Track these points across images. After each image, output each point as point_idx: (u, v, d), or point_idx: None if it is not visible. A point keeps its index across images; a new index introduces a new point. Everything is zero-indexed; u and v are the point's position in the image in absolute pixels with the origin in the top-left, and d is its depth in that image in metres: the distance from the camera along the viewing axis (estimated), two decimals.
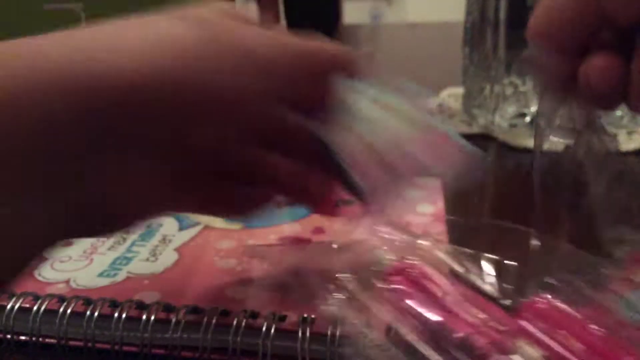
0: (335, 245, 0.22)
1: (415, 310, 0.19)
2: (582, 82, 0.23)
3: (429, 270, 0.20)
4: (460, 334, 0.18)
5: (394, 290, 0.20)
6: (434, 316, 0.19)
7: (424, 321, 0.19)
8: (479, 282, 0.21)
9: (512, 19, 0.44)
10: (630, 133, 0.47)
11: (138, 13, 0.38)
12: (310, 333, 0.21)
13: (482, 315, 0.19)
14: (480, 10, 0.46)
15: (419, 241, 0.22)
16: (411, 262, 0.21)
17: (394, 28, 1.15)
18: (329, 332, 0.21)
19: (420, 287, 0.20)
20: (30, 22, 0.35)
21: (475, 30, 0.47)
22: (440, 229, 0.30)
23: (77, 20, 0.36)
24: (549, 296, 0.20)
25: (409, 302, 0.19)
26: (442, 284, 0.20)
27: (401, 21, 2.31)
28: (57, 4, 0.35)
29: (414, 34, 1.02)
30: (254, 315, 0.22)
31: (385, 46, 0.96)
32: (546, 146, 0.45)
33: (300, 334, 0.21)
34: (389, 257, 0.21)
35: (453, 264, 0.22)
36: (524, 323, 0.19)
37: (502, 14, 0.44)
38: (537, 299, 0.20)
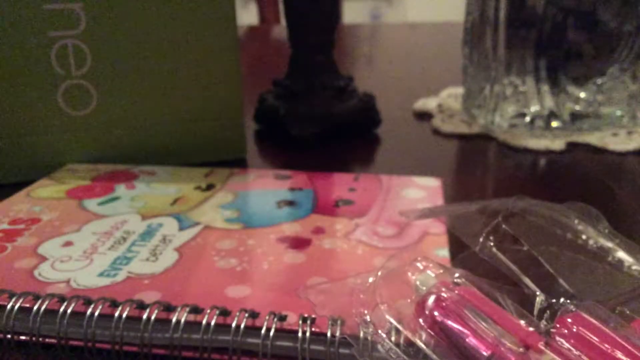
0: (371, 279, 0.22)
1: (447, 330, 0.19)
2: None
3: (467, 296, 0.20)
4: (487, 353, 0.18)
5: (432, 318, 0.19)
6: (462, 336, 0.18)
7: (453, 340, 0.19)
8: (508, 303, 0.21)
9: (512, 19, 0.44)
10: (630, 133, 0.47)
11: (139, 13, 0.38)
12: (310, 333, 0.21)
13: (508, 334, 0.18)
14: (480, 10, 0.46)
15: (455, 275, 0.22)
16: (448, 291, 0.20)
17: (394, 28, 1.15)
18: (329, 332, 0.21)
19: (455, 312, 0.19)
20: (31, 22, 0.35)
21: (475, 30, 0.47)
22: (440, 229, 0.30)
23: (77, 20, 0.36)
24: (583, 315, 0.19)
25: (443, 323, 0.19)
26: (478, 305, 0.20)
27: (401, 21, 2.31)
28: (57, 4, 0.35)
29: (414, 34, 1.02)
30: (254, 315, 0.22)
31: (385, 46, 0.96)
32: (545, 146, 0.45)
33: (300, 334, 0.21)
34: (425, 287, 0.21)
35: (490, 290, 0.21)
36: (553, 341, 0.18)
37: (502, 14, 0.44)
38: (569, 318, 0.19)
